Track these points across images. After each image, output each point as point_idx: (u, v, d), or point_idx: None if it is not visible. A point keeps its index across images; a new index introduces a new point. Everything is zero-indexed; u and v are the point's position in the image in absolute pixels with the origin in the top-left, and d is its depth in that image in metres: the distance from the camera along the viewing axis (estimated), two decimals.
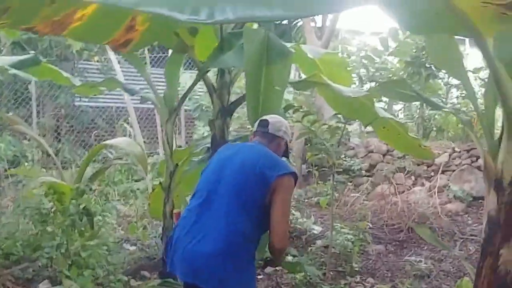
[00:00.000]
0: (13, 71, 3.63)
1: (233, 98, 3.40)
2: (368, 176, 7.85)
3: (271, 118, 2.58)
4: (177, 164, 3.31)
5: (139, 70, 3.36)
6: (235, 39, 3.15)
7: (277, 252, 2.33)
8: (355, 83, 7.97)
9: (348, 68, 3.93)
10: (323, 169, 7.42)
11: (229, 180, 2.32)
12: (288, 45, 3.52)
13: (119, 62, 8.02)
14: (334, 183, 5.53)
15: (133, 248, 5.49)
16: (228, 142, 3.34)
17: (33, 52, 8.65)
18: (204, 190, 2.35)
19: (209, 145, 3.35)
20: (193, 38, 3.15)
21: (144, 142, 7.41)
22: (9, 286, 3.95)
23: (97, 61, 8.61)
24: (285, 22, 9.80)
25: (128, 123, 6.96)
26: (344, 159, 7.82)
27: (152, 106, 8.74)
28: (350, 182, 7.62)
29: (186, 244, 2.24)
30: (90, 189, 5.42)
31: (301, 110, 4.12)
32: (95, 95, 4.64)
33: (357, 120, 4.11)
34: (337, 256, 4.90)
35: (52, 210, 4.56)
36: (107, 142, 4.69)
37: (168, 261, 2.36)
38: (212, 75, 4.14)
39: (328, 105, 3.93)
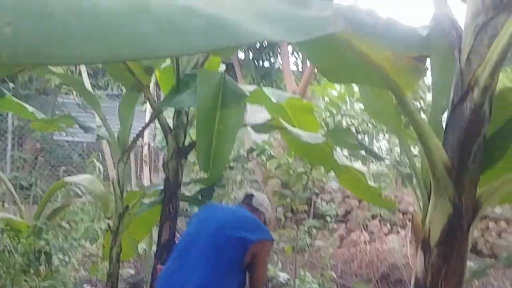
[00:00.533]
0: None
1: (189, 139, 3.32)
2: (343, 221, 7.73)
3: (256, 193, 2.96)
4: (127, 206, 3.19)
5: (93, 106, 3.28)
6: (192, 80, 3.10)
7: None
8: (322, 129, 7.95)
9: (313, 113, 3.87)
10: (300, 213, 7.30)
11: (208, 239, 2.47)
12: (251, 88, 3.49)
13: (99, 97, 7.98)
14: (303, 228, 5.42)
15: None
16: (181, 184, 3.25)
17: (11, 84, 8.66)
18: (182, 248, 2.55)
19: (161, 187, 3.24)
20: (148, 77, 3.09)
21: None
22: None
23: (76, 95, 8.55)
24: (266, 65, 9.94)
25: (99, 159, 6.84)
26: (319, 203, 7.72)
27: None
28: (326, 227, 7.49)
29: None
30: (53, 227, 5.26)
31: (265, 153, 4.04)
32: (54, 130, 4.53)
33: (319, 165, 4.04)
34: None
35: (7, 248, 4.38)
36: (68, 179, 4.56)
37: None
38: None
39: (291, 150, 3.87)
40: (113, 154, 3.25)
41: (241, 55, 9.37)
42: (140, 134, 3.22)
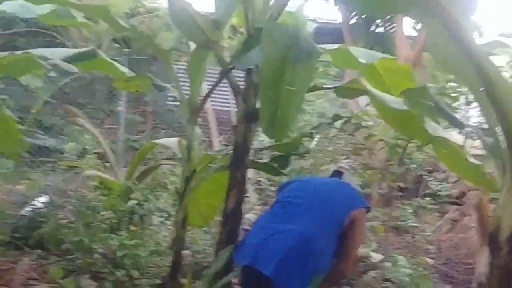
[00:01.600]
0: (52, 61, 3.59)
1: None
2: (456, 204, 6.96)
3: (344, 170, 3.03)
4: (194, 170, 3.04)
5: (166, 65, 3.15)
6: None
7: (341, 277, 2.63)
8: None
9: (412, 77, 3.35)
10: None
11: (314, 198, 2.60)
12: (334, 46, 3.10)
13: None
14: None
15: (186, 252, 5.33)
16: (250, 149, 3.01)
17: (128, 50, 9.06)
18: (286, 202, 2.65)
19: (231, 151, 3.03)
20: (217, 33, 2.86)
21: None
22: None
23: (184, 61, 8.69)
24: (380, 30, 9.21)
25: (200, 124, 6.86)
26: (431, 182, 7.04)
27: (230, 108, 8.72)
28: (436, 208, 6.81)
29: (262, 237, 2.46)
30: (146, 188, 5.38)
31: (352, 121, 3.64)
32: (135, 89, 4.50)
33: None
34: None
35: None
36: (157, 140, 4.58)
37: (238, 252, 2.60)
38: None
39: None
40: (183, 116, 3.10)
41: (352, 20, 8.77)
42: (209, 95, 3.02)
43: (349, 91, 3.05)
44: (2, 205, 4.91)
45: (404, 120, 3.02)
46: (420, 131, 2.93)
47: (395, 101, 2.78)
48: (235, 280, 2.86)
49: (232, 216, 3.00)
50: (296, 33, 2.64)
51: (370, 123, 4.42)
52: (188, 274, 3.69)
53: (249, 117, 2.96)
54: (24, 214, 4.98)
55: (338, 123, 3.81)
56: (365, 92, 2.91)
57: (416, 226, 6.24)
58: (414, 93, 2.41)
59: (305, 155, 3.49)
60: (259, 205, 6.36)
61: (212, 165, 3.08)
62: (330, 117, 3.54)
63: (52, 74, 8.55)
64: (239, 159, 2.95)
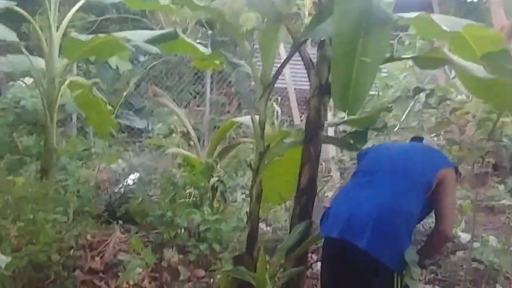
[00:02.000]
0: (135, 43, 3.75)
1: None
2: None
3: (425, 136, 3.07)
4: (268, 145, 3.04)
5: (238, 42, 3.16)
6: None
7: (444, 240, 2.53)
8: None
9: (504, 45, 3.07)
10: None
11: (396, 163, 2.57)
12: (413, 15, 2.91)
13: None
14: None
15: (267, 228, 5.40)
16: (323, 125, 2.94)
17: (210, 31, 9.24)
18: (367, 171, 2.61)
19: (303, 126, 2.99)
20: (289, 6, 2.81)
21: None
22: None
23: None
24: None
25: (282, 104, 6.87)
26: None
27: None
28: None
29: (347, 207, 2.44)
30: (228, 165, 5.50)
31: (438, 94, 3.43)
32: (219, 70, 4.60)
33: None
34: (481, 273, 4.06)
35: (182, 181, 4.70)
36: (236, 119, 4.64)
37: (324, 225, 2.54)
38: None
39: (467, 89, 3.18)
40: (256, 91, 3.09)
41: None
42: (280, 70, 2.98)
43: (430, 62, 2.85)
44: (97, 183, 5.26)
45: (492, 90, 2.79)
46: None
47: (481, 70, 2.56)
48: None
49: (306, 192, 2.96)
50: (369, 2, 2.51)
51: (459, 97, 4.15)
52: (262, 248, 3.77)
53: (322, 91, 2.89)
54: (116, 190, 5.31)
55: (423, 98, 3.62)
56: (448, 61, 2.71)
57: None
58: (495, 57, 2.20)
59: (386, 131, 3.34)
60: (340, 183, 6.26)
61: (285, 141, 3.05)
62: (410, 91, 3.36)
63: (142, 58, 9.02)
64: (311, 134, 2.90)
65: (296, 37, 2.86)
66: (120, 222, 4.61)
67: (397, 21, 2.53)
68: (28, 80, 6.67)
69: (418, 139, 2.89)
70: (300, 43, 2.86)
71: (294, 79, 8.10)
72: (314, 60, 2.92)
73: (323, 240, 2.63)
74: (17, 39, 4.31)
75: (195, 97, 9.11)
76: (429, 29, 3.09)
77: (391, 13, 2.52)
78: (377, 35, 2.44)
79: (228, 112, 9.24)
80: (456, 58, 2.71)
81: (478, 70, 2.58)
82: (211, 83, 9.10)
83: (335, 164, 6.91)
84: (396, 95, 4.86)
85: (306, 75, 2.95)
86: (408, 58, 2.98)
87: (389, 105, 3.28)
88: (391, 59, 2.93)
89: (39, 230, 2.98)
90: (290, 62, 3.08)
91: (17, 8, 4.16)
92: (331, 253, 2.53)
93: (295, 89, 7.90)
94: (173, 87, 9.06)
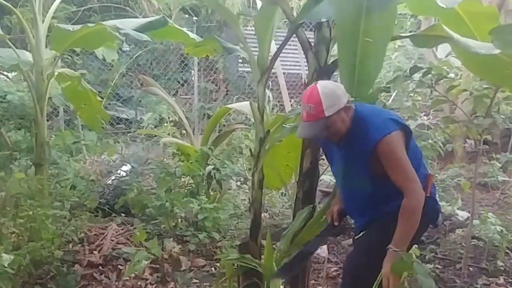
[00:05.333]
0: (125, 31, 3.66)
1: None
2: None
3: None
4: (268, 131, 3.00)
5: (232, 25, 3.10)
6: None
7: (412, 212, 2.20)
8: None
9: (499, 22, 3.05)
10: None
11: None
12: None
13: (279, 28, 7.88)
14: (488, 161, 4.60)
15: (264, 214, 5.38)
16: None
17: (195, 18, 9.12)
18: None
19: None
20: None
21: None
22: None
23: (252, 27, 8.61)
24: None
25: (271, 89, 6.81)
26: None
27: (300, 71, 8.54)
28: None
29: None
30: (222, 152, 5.45)
31: (432, 73, 3.41)
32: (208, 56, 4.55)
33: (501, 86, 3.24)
34: (480, 250, 4.11)
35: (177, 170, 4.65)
36: (230, 105, 4.59)
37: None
38: None
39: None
40: (253, 76, 3.04)
41: None
42: (278, 53, 2.93)
43: (428, 39, 2.82)
44: (89, 175, 5.19)
45: (492, 66, 2.77)
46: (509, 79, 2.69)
47: (482, 46, 2.53)
48: None
49: (308, 176, 2.94)
50: None
51: (452, 75, 4.14)
52: (268, 235, 3.76)
53: (320, 73, 2.84)
54: (109, 183, 5.24)
55: (416, 77, 3.59)
56: (446, 38, 2.67)
57: (506, 181, 5.89)
58: (505, 31, 2.17)
59: None
60: None
61: (285, 126, 3.02)
62: (407, 70, 3.33)
63: (126, 48, 8.87)
64: None
65: (292, 20, 2.81)
66: (122, 214, 4.57)
67: None
68: (11, 74, 6.52)
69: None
70: (297, 25, 2.81)
71: (282, 63, 8.04)
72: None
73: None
74: (1, 32, 4.19)
75: (182, 85, 9.01)
76: (424, 5, 3.07)
77: None
78: (381, 13, 2.41)
79: (216, 99, 9.16)
80: (455, 34, 2.68)
81: (479, 46, 2.56)
82: (199, 70, 9.00)
83: None
84: (388, 76, 4.83)
85: (294, 59, 2.91)
86: (407, 37, 2.94)
87: (387, 86, 3.23)
88: (392, 38, 2.89)
89: (39, 226, 2.92)
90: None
91: (1, 1, 4.04)
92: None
93: (283, 73, 7.84)
94: (160, 76, 8.94)
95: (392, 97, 4.44)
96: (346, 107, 2.29)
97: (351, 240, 4.29)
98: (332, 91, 2.28)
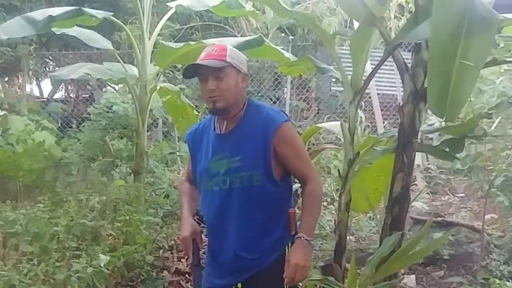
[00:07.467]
0: None
1: None
2: None
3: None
4: (358, 152, 2.96)
5: (327, 46, 3.11)
6: None
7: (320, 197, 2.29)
8: None
9: None
10: None
11: None
12: None
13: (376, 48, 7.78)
14: None
15: (350, 237, 5.29)
16: (418, 132, 2.82)
17: (291, 37, 9.25)
18: None
19: (396, 134, 2.87)
20: (382, 8, 2.72)
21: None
22: None
23: (348, 46, 8.55)
24: None
25: (364, 109, 6.71)
26: None
27: (396, 92, 8.31)
28: None
29: None
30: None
31: None
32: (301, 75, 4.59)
33: None
34: None
35: None
36: (321, 124, 4.57)
37: None
38: None
39: None
40: (345, 97, 3.03)
41: None
42: (373, 74, 2.89)
43: None
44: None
45: None
46: None
47: None
48: None
49: (398, 201, 2.84)
50: (471, 1, 2.37)
51: None
52: (352, 259, 3.66)
53: (417, 97, 2.76)
54: None
55: None
56: None
57: None
58: None
59: (482, 139, 3.12)
60: (427, 193, 6.00)
61: (376, 148, 2.96)
62: None
63: None
64: (405, 141, 2.78)
65: (389, 41, 2.76)
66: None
67: (500, 21, 2.36)
68: (118, 87, 7.03)
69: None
70: (394, 46, 2.76)
71: (377, 83, 7.90)
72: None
73: None
74: (112, 48, 4.54)
75: (275, 102, 9.15)
76: None
77: (495, 13, 2.36)
78: (481, 35, 2.30)
79: (307, 118, 9.18)
80: None
81: None
82: (291, 88, 9.10)
83: (420, 173, 6.65)
84: (491, 101, 4.56)
85: (389, 80, 2.85)
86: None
87: (489, 112, 3.06)
88: (495, 62, 2.74)
89: (134, 231, 3.09)
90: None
91: (113, 18, 4.38)
92: None
93: (377, 94, 7.70)
94: (254, 92, 9.15)
95: (495, 124, 4.19)
96: (244, 74, 2.15)
97: (442, 271, 4.10)
98: (240, 54, 2.18)
